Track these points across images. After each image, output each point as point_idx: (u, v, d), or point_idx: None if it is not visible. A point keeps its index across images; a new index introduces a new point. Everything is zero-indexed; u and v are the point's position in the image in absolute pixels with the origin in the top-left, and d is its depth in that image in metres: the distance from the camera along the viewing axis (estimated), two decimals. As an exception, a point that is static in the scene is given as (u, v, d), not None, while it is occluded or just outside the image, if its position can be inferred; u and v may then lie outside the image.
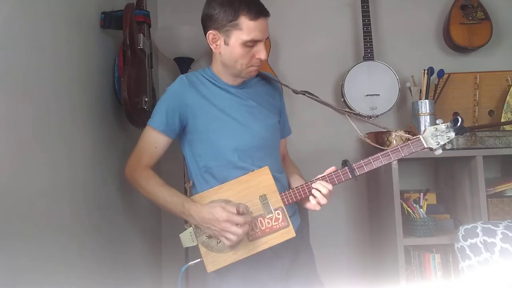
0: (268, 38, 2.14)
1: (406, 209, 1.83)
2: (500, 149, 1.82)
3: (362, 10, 2.10)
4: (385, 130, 1.31)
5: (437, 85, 2.08)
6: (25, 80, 0.93)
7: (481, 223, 1.50)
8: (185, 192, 1.27)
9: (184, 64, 2.04)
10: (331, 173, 1.19)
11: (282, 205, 1.18)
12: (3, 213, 0.82)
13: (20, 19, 0.92)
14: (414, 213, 1.82)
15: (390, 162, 1.21)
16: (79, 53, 1.23)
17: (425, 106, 1.95)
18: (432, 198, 1.96)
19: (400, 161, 1.81)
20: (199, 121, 1.23)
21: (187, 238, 1.21)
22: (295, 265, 1.28)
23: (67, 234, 1.07)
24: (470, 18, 2.15)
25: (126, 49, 1.39)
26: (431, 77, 2.01)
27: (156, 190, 1.18)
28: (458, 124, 1.13)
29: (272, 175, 1.21)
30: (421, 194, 1.85)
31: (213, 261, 1.18)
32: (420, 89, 2.02)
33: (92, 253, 1.22)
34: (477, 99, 2.12)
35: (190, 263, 1.21)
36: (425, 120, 1.95)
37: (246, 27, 1.13)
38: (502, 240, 1.43)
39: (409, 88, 2.08)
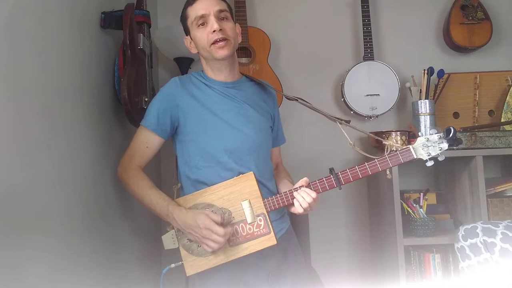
0: (267, 37, 2.16)
1: (406, 209, 1.83)
2: (500, 149, 1.82)
3: (362, 10, 2.10)
4: (380, 137, 1.30)
5: (437, 85, 2.09)
6: (25, 80, 0.93)
7: (481, 223, 1.51)
8: (172, 195, 1.26)
9: (184, 64, 2.03)
10: (315, 180, 1.17)
11: (265, 212, 1.15)
12: (3, 211, 0.82)
13: (20, 19, 0.92)
14: (414, 213, 1.82)
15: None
16: (79, 53, 1.23)
17: (425, 106, 1.96)
18: (432, 198, 1.96)
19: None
20: (189, 122, 1.24)
21: (169, 240, 1.21)
22: (284, 266, 1.27)
23: (66, 233, 1.07)
24: (470, 18, 2.15)
25: (126, 49, 1.39)
26: (431, 77, 2.01)
27: (144, 192, 1.20)
28: (451, 134, 1.10)
29: (259, 181, 1.19)
30: (421, 194, 1.85)
31: (193, 264, 1.18)
32: (420, 89, 2.02)
33: (91, 251, 1.22)
34: (477, 99, 2.12)
35: (172, 265, 1.20)
36: (425, 120, 1.95)
37: (191, 12, 1.24)
38: (502, 240, 1.43)
39: (409, 88, 2.08)
